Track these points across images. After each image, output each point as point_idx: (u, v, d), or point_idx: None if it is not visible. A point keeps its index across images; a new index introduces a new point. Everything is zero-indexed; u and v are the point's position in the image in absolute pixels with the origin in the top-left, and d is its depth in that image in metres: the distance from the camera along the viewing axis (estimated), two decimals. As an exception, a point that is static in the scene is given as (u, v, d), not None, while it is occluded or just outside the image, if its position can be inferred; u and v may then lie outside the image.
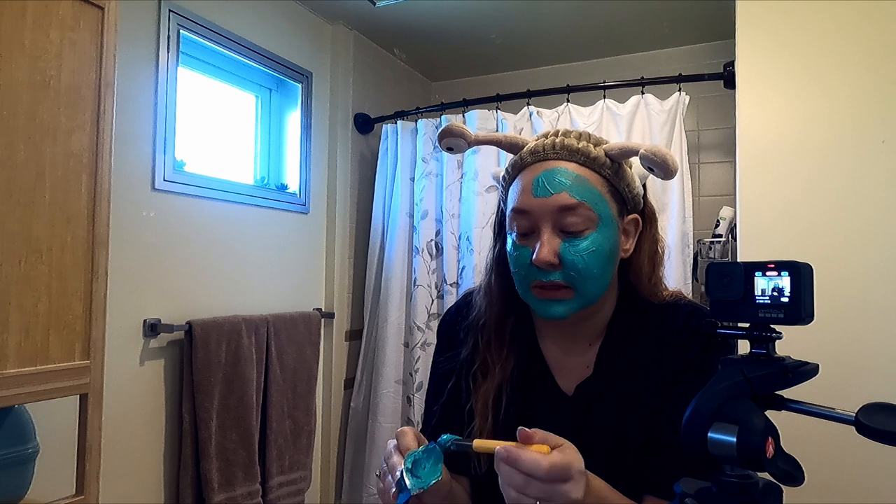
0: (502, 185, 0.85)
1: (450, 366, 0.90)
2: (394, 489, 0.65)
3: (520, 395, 0.83)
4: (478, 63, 2.90)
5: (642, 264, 0.82)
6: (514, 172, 0.82)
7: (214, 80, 2.12)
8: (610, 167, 0.79)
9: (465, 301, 0.94)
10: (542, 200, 0.76)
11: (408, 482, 0.63)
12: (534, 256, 0.75)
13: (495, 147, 0.88)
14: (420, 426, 0.95)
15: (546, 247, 0.75)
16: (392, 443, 0.71)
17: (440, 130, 0.84)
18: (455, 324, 0.93)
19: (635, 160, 0.79)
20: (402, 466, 0.65)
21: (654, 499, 0.73)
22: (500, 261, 0.86)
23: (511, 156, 0.84)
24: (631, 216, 0.82)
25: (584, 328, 0.84)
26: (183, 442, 1.76)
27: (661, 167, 0.74)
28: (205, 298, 1.91)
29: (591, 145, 0.79)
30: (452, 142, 0.84)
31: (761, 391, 0.52)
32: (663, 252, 0.85)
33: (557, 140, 0.79)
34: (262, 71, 2.22)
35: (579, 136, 0.81)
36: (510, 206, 0.80)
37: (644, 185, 0.85)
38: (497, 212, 0.90)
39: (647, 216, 0.85)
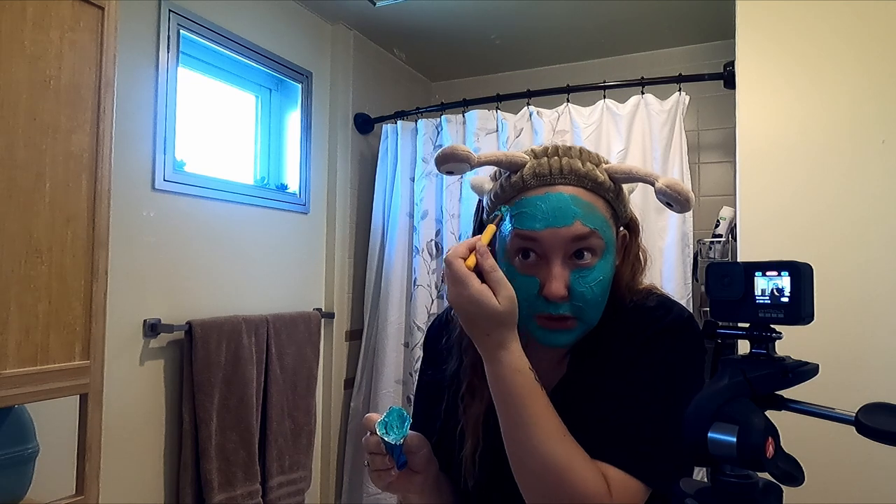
0: (491, 202, 0.81)
1: (436, 378, 0.89)
2: (387, 456, 0.74)
3: None
4: (478, 63, 2.90)
5: (623, 273, 0.81)
6: (512, 193, 0.77)
7: (214, 80, 2.11)
8: (612, 190, 0.77)
9: (451, 316, 0.90)
10: (554, 230, 0.72)
11: (389, 439, 0.73)
12: (545, 290, 0.72)
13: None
14: None
15: (559, 280, 0.72)
16: (367, 434, 0.78)
17: (440, 153, 0.77)
18: (438, 341, 0.90)
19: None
20: (378, 434, 0.73)
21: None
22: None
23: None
24: (621, 232, 0.81)
25: None
26: (183, 442, 1.76)
27: (682, 203, 0.73)
28: (205, 298, 1.91)
29: (595, 167, 0.76)
30: (455, 166, 0.77)
31: (761, 391, 0.52)
32: (645, 261, 0.84)
33: (563, 162, 0.75)
34: (261, 71, 2.22)
35: (580, 156, 0.77)
36: (510, 229, 0.75)
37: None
38: (475, 221, 0.86)
39: (632, 227, 0.83)
